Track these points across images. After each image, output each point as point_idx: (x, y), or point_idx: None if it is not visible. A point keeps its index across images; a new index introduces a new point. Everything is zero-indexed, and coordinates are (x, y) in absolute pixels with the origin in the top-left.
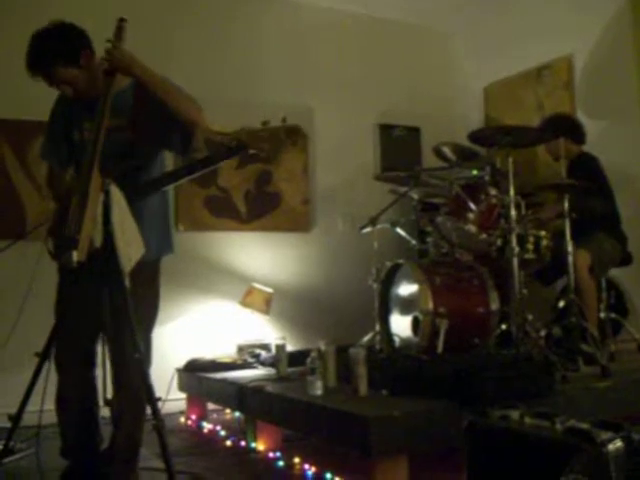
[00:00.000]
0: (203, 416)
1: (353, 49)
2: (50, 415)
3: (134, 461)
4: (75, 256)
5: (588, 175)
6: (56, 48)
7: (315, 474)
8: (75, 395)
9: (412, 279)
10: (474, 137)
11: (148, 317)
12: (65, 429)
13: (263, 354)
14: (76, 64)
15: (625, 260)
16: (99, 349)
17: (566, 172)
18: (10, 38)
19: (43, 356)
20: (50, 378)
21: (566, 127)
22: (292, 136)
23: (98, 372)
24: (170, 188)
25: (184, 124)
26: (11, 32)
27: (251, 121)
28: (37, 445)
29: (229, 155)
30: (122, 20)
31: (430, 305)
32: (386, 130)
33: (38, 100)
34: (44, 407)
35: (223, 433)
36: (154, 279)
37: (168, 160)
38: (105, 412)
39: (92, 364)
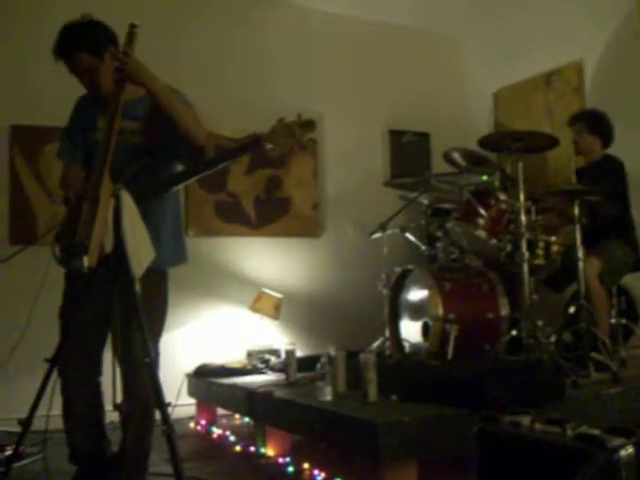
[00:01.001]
0: (212, 421)
1: (362, 54)
2: (59, 420)
3: (143, 466)
4: (86, 261)
5: (612, 178)
6: (84, 35)
7: None
8: (80, 402)
9: (422, 285)
10: (484, 143)
11: (156, 323)
12: (72, 435)
13: (273, 359)
14: (99, 55)
15: (636, 265)
16: (109, 353)
17: (585, 172)
18: (22, 47)
19: (53, 362)
20: (58, 383)
21: (601, 125)
22: (307, 130)
23: (109, 377)
24: (181, 196)
25: (186, 141)
26: (23, 41)
27: (259, 126)
28: (45, 450)
29: (245, 150)
30: (133, 26)
31: (440, 311)
32: (396, 136)
33: (50, 106)
34: (53, 412)
35: (232, 438)
36: (162, 285)
37: None
38: (114, 417)
39: (98, 372)
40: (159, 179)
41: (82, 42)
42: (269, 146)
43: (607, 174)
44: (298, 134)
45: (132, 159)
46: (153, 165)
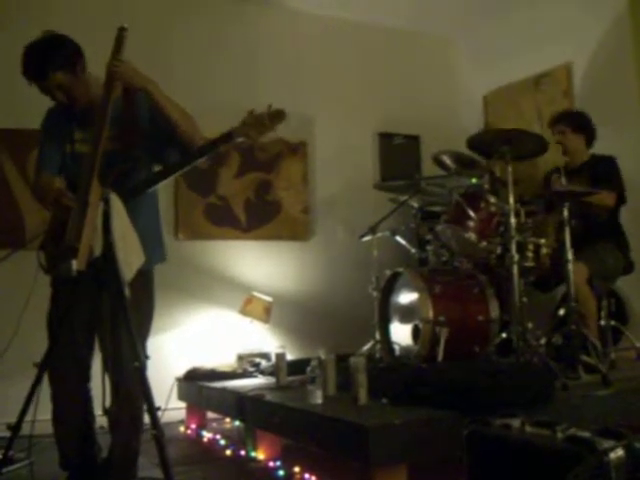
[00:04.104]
0: (203, 425)
1: (352, 57)
2: (48, 424)
3: (132, 470)
4: (75, 265)
5: (618, 179)
6: (55, 54)
7: None
8: (71, 408)
9: (412, 287)
10: (473, 143)
11: (144, 325)
12: (62, 441)
13: (263, 363)
14: (72, 71)
15: (627, 268)
16: (98, 357)
17: (575, 172)
18: (9, 48)
19: (42, 366)
20: (45, 388)
21: (584, 124)
22: (277, 120)
23: (98, 381)
24: (161, 194)
25: (182, 140)
26: (10, 42)
27: None
28: (29, 455)
29: (216, 146)
30: (122, 29)
31: (430, 313)
32: (386, 138)
33: (38, 109)
34: (41, 417)
35: (223, 442)
36: (149, 287)
37: None
38: (104, 421)
39: (87, 377)
40: (138, 180)
41: (55, 61)
42: (240, 139)
43: (614, 175)
44: (268, 125)
45: (110, 165)
46: (130, 168)
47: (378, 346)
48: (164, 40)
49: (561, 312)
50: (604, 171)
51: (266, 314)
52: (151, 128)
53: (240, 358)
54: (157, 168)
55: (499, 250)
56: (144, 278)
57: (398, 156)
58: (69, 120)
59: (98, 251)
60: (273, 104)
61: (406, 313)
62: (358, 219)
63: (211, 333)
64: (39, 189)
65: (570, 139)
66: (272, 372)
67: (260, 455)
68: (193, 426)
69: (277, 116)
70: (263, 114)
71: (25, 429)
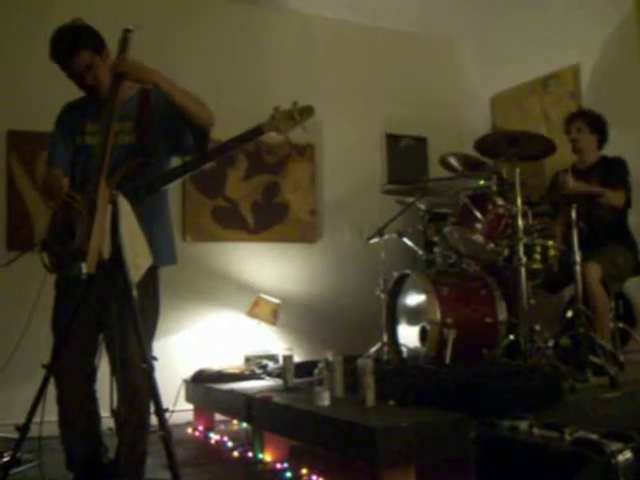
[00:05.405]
0: (210, 427)
1: (360, 60)
2: (55, 426)
3: (139, 472)
4: (85, 268)
5: (619, 178)
6: (85, 35)
7: None
8: (77, 409)
9: (419, 289)
10: (480, 145)
11: (150, 326)
12: (68, 443)
13: (270, 365)
14: (100, 55)
15: (636, 269)
16: (105, 358)
17: (586, 172)
18: (19, 52)
19: (50, 368)
20: (53, 390)
21: (601, 125)
22: (307, 115)
23: (106, 383)
24: (172, 198)
25: (197, 126)
26: (20, 46)
27: None
28: (40, 456)
29: (246, 139)
30: (127, 31)
31: (438, 315)
32: (393, 140)
33: (46, 112)
34: (49, 418)
35: (230, 444)
36: (154, 287)
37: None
38: (112, 423)
39: (92, 379)
40: (155, 175)
41: (85, 40)
42: (271, 134)
43: (624, 176)
44: (298, 120)
45: (125, 158)
46: (144, 163)
47: (386, 348)
48: (171, 44)
49: (569, 314)
50: (616, 172)
51: (273, 316)
52: (168, 121)
53: (247, 360)
54: (174, 158)
55: (507, 252)
56: (148, 278)
57: (405, 158)
58: (83, 114)
59: (107, 254)
60: (280, 105)
61: (414, 315)
62: (365, 221)
63: (218, 335)
64: (47, 184)
65: (586, 138)
66: (279, 374)
67: (267, 457)
68: (201, 428)
69: (306, 111)
70: (293, 109)
71: (34, 430)
